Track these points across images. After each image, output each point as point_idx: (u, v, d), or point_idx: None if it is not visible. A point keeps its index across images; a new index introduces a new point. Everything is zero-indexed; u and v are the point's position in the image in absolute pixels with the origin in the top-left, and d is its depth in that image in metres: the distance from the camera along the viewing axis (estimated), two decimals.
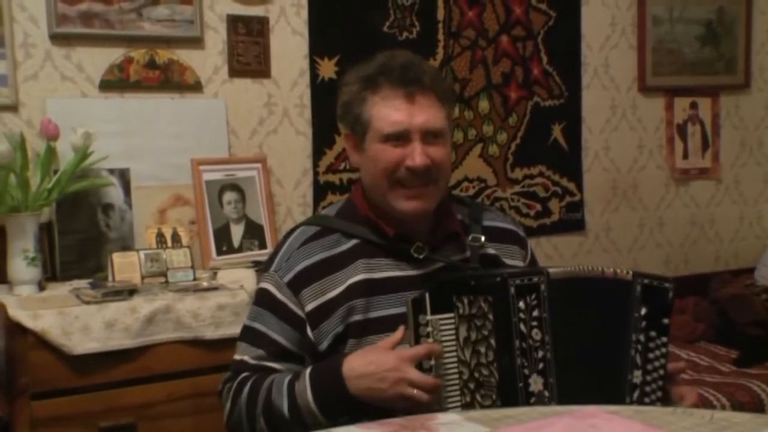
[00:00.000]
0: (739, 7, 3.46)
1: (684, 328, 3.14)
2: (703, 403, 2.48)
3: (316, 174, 2.73)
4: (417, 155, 1.44)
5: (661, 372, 1.42)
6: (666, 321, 1.43)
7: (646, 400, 1.40)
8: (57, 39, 2.36)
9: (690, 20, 3.37)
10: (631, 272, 1.42)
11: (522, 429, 1.16)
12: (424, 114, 1.46)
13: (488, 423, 1.19)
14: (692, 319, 3.19)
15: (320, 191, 2.74)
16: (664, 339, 1.42)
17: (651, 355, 1.41)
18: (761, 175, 3.64)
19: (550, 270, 1.39)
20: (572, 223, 3.21)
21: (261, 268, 1.63)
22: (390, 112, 1.46)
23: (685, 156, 3.44)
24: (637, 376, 1.40)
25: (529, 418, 1.20)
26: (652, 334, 1.41)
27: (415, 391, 1.33)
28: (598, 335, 1.40)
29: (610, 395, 1.34)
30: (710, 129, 3.48)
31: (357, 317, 1.46)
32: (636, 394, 1.39)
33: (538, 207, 3.14)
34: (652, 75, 3.30)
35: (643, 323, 1.41)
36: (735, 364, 2.83)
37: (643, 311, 1.41)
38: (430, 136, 1.47)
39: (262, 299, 1.53)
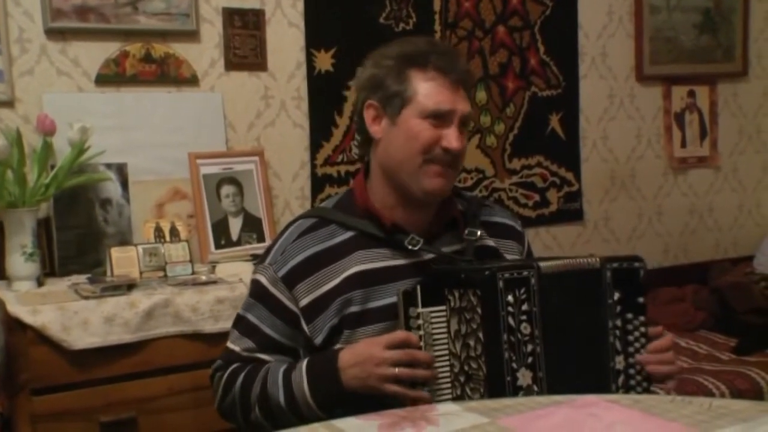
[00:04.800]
0: None
1: (683, 316, 3.14)
2: (703, 391, 2.48)
3: (313, 166, 2.73)
4: (455, 139, 1.47)
5: (643, 353, 1.42)
6: (641, 300, 1.43)
7: (632, 382, 1.41)
8: (52, 34, 2.35)
9: (687, 8, 3.36)
10: (598, 259, 1.42)
11: (522, 418, 1.16)
12: (464, 103, 1.51)
13: (487, 413, 1.19)
14: (692, 307, 3.19)
15: (318, 184, 2.74)
16: (642, 318, 1.42)
17: (630, 338, 1.42)
18: (760, 163, 3.64)
19: (542, 263, 1.38)
20: (571, 213, 3.21)
21: (257, 259, 1.63)
22: (439, 91, 1.48)
23: (683, 145, 3.44)
24: (619, 362, 1.41)
25: (528, 408, 1.20)
26: (629, 316, 1.42)
27: (396, 369, 1.35)
28: (582, 326, 1.40)
29: (596, 385, 1.34)
30: (708, 117, 3.48)
31: (354, 308, 1.47)
32: (621, 380, 1.40)
33: (537, 197, 3.13)
34: (649, 64, 3.29)
35: (618, 308, 1.42)
36: (734, 352, 2.83)
37: (617, 296, 1.41)
38: (462, 124, 1.51)
39: (256, 291, 1.55)
